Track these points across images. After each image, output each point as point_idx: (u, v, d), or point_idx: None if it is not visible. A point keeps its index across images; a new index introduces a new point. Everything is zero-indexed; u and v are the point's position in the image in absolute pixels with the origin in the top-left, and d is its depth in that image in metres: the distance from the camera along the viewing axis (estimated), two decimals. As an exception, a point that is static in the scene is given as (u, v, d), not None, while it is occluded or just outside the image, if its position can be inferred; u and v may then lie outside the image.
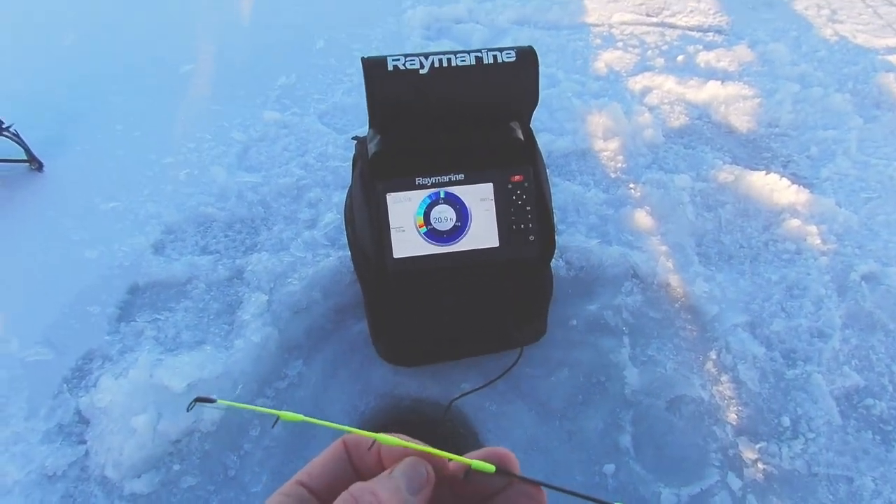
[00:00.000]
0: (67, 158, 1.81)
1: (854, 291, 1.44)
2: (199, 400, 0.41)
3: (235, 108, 1.98)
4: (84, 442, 1.19)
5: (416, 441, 0.36)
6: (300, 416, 0.39)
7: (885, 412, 1.23)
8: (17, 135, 1.72)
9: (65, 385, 1.28)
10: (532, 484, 0.36)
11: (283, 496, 0.34)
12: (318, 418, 1.21)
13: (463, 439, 1.24)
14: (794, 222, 1.58)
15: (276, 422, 0.41)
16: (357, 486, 0.33)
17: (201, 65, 2.20)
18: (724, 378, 1.29)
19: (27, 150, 1.74)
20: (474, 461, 0.35)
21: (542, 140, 1.82)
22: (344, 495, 0.33)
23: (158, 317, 1.39)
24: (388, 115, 1.15)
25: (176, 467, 1.15)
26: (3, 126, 1.70)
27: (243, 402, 1.24)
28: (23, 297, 1.45)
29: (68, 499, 1.12)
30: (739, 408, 1.25)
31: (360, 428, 1.19)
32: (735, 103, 2.00)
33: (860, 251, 1.53)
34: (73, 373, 1.30)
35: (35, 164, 1.76)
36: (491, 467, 0.35)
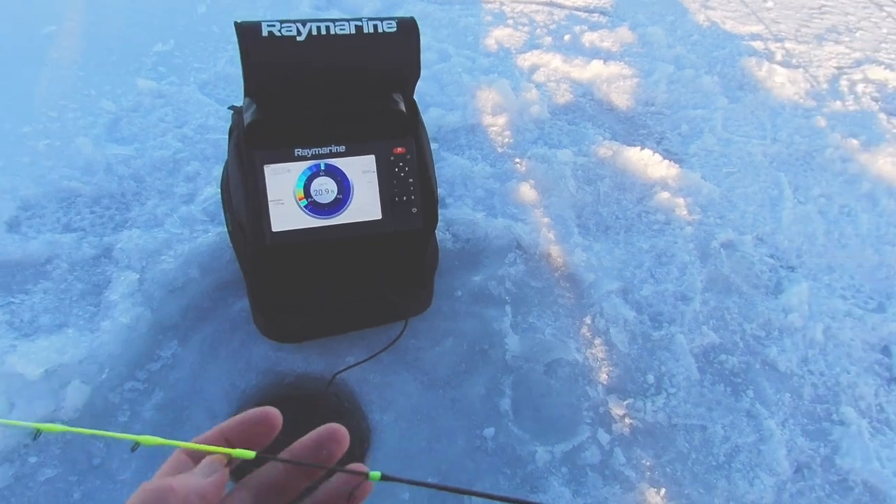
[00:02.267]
0: None
1: (714, 258, 1.56)
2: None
3: (105, 76, 1.84)
4: (-76, 438, 1.08)
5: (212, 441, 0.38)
6: (61, 427, 0.40)
7: (736, 366, 1.36)
8: None
9: None
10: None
11: None
12: (196, 400, 1.15)
13: (347, 412, 1.24)
14: (665, 195, 1.69)
15: (37, 435, 0.41)
16: (147, 482, 0.34)
17: (66, 26, 2.01)
18: (597, 341, 1.37)
19: None
20: (236, 450, 0.37)
21: (431, 115, 1.83)
22: (137, 493, 0.33)
23: (12, 300, 1.28)
24: (264, 82, 1.11)
25: (32, 459, 1.07)
26: None
27: (111, 388, 1.18)
28: None
29: None
30: (610, 368, 1.33)
31: (244, 408, 1.14)
32: (616, 82, 2.10)
33: (721, 221, 1.66)
34: (-90, 364, 1.18)
35: None
36: (250, 454, 0.37)
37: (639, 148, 1.81)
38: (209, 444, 0.38)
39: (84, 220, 1.44)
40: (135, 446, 0.40)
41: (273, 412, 0.40)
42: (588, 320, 1.41)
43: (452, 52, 2.11)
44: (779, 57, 2.32)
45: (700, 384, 1.31)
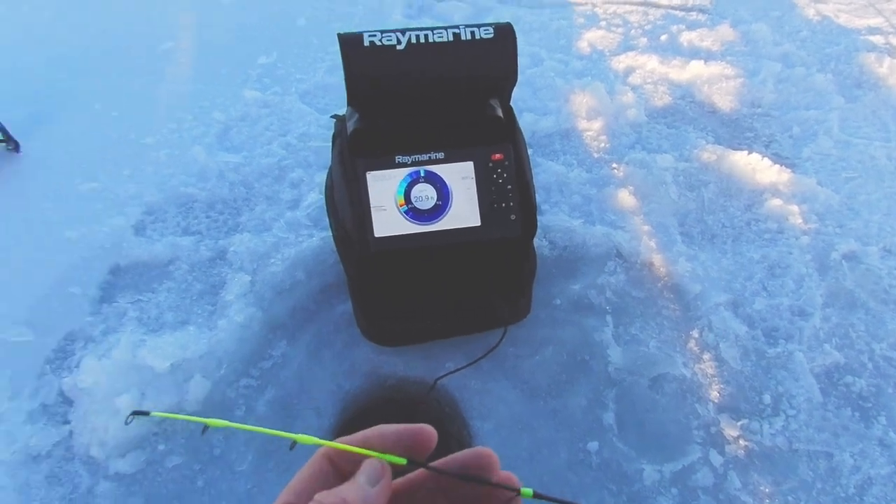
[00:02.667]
0: (45, 138, 1.77)
1: (835, 270, 1.45)
2: (135, 413, 0.46)
3: (216, 88, 1.95)
4: (68, 422, 1.18)
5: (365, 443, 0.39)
6: (226, 422, 0.42)
7: (865, 389, 1.26)
8: (-9, 114, 1.68)
9: (47, 366, 1.27)
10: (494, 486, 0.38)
11: None
12: (304, 399, 1.20)
13: (448, 418, 1.25)
14: (776, 202, 1.59)
15: (204, 429, 0.43)
16: (321, 493, 0.35)
17: (181, 43, 2.15)
18: (706, 356, 1.31)
19: (3, 131, 1.70)
20: (386, 455, 0.38)
21: (525, 120, 1.81)
22: None
23: (141, 298, 1.38)
24: (366, 91, 1.14)
25: (161, 447, 1.15)
26: (-23, 105, 1.66)
27: (228, 383, 1.24)
28: (3, 279, 1.43)
29: (53, 478, 1.12)
30: (721, 385, 1.26)
31: (348, 408, 1.17)
32: (718, 83, 2.00)
33: (841, 230, 1.55)
34: (55, 354, 1.29)
35: (11, 144, 1.72)
36: (402, 460, 0.38)
37: (746, 152, 1.72)
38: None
39: (201, 224, 1.53)
40: (293, 444, 0.41)
41: (430, 430, 0.39)
42: (695, 334, 1.35)
43: (545, 55, 2.09)
44: (903, 52, 2.14)
45: (823, 407, 1.22)
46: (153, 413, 0.45)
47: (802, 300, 1.39)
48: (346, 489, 0.36)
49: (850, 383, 1.25)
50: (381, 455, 0.38)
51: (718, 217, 1.60)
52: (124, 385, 1.17)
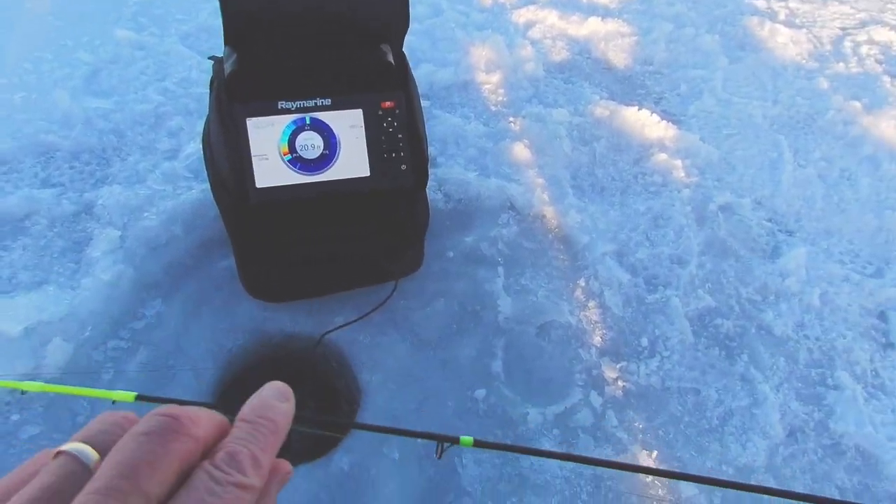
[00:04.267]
0: None
1: (711, 221, 1.53)
2: None
3: (82, 26, 1.75)
4: None
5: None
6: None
7: (731, 330, 1.34)
8: None
9: None
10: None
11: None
12: (182, 359, 1.12)
13: (336, 373, 1.22)
14: (662, 156, 1.65)
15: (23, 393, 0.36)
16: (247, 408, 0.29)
17: (41, -26, 1.92)
18: (591, 304, 1.35)
19: None
20: (116, 393, 0.33)
21: (423, 70, 1.77)
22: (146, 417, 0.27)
23: (-10, 256, 1.24)
24: (245, 29, 1.05)
25: (14, 417, 1.04)
26: None
27: (94, 346, 1.15)
28: None
29: None
30: (604, 331, 1.31)
31: (231, 368, 1.10)
32: (614, 40, 2.03)
33: (719, 184, 1.63)
34: None
35: None
36: (130, 396, 0.34)
37: (636, 108, 1.76)
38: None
39: (63, 175, 1.39)
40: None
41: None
42: (582, 283, 1.38)
43: (445, 6, 2.04)
44: (782, 16, 2.25)
45: (694, 348, 1.29)
46: None
47: (681, 249, 1.45)
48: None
49: (719, 325, 1.33)
50: (106, 393, 0.33)
51: (609, 171, 1.63)
52: (-31, 351, 1.05)
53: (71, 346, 1.11)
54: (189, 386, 1.15)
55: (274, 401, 0.30)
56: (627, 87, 1.90)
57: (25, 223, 1.30)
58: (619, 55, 1.99)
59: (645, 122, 1.73)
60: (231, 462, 0.25)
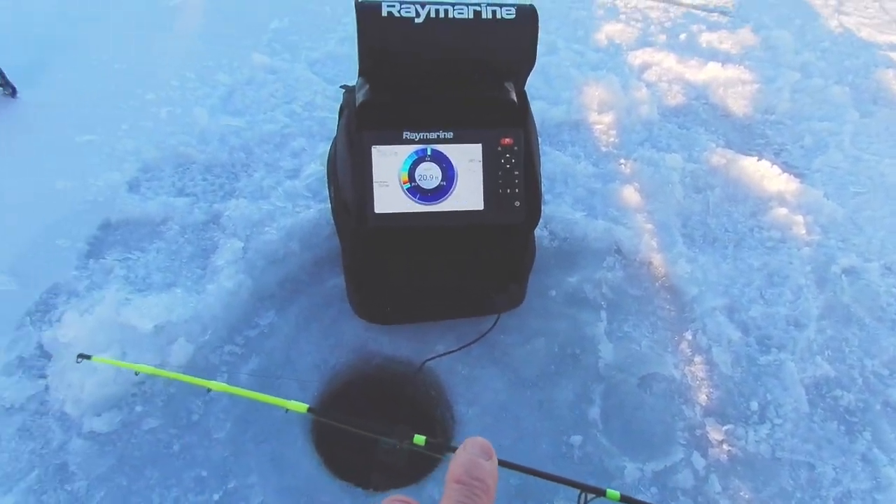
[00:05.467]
0: (44, 86, 1.73)
1: (833, 284, 1.44)
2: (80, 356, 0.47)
3: (223, 49, 1.90)
4: (44, 376, 1.16)
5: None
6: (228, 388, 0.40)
7: (853, 404, 1.24)
8: (-10, 57, 1.64)
9: (28, 318, 1.24)
10: None
11: None
12: (288, 370, 1.18)
13: (433, 401, 1.23)
14: (781, 211, 1.57)
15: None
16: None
17: None
18: (697, 359, 1.29)
19: (0, 75, 1.66)
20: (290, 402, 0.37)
21: (535, 107, 1.76)
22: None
23: (129, 256, 1.35)
24: (379, 63, 1.11)
25: (138, 408, 1.12)
26: (-24, 46, 1.62)
27: (212, 348, 1.22)
28: (-11, 225, 1.40)
29: (25, 432, 1.10)
30: (710, 389, 1.25)
31: (332, 383, 1.15)
32: (734, 87, 1.97)
33: (843, 245, 1.53)
34: (37, 306, 1.26)
35: (8, 89, 1.68)
36: (302, 407, 0.38)
37: (755, 158, 1.70)
38: None
39: (197, 185, 1.50)
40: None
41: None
42: (689, 336, 1.33)
43: (561, 45, 2.06)
44: (921, 71, 2.11)
45: (810, 418, 1.21)
46: (94, 358, 0.44)
47: (798, 311, 1.37)
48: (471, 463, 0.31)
49: (839, 397, 1.24)
50: (282, 402, 0.37)
51: (722, 221, 1.57)
52: (105, 342, 1.14)
53: (192, 346, 1.19)
54: (293, 395, 1.19)
55: (481, 460, 0.31)
56: (746, 137, 1.83)
57: (161, 228, 1.41)
58: (738, 103, 1.93)
59: (764, 174, 1.66)
60: None
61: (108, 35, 1.91)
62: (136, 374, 1.09)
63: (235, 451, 1.10)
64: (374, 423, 0.83)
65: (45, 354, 1.19)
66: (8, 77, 1.66)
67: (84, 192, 1.47)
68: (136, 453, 1.08)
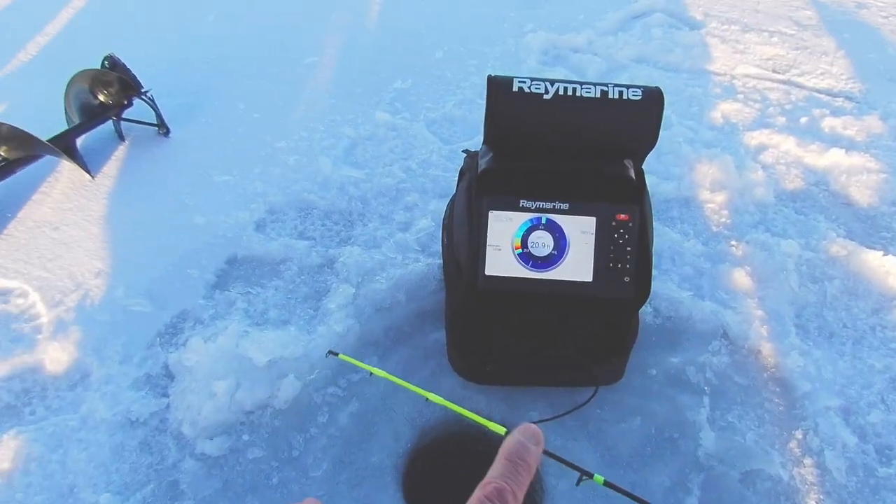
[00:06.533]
0: (192, 129, 1.94)
1: (969, 397, 1.32)
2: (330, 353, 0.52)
3: (350, 105, 2.05)
4: (167, 395, 1.26)
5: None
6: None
7: None
8: (152, 100, 1.85)
9: (158, 339, 1.36)
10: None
11: None
12: (385, 418, 1.23)
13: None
14: (909, 311, 1.47)
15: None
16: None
17: (324, 59, 2.30)
18: (807, 461, 1.21)
19: (158, 116, 1.87)
20: (490, 423, 0.41)
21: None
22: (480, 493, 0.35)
23: (251, 290, 1.46)
24: (505, 134, 1.17)
25: (245, 437, 1.19)
26: (142, 91, 1.84)
27: (316, 388, 1.28)
28: (133, 250, 1.56)
29: (145, 446, 1.19)
30: (821, 496, 1.17)
31: (424, 437, 1.19)
32: (858, 175, 1.89)
33: (981, 355, 1.40)
34: (167, 328, 1.38)
35: (164, 129, 1.89)
36: (501, 428, 0.42)
37: (880, 252, 1.60)
38: None
39: (316, 230, 1.61)
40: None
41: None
42: (798, 435, 1.25)
43: (675, 120, 2.06)
44: None
45: (938, 546, 1.10)
46: (341, 356, 0.51)
47: (928, 424, 1.26)
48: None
49: (976, 528, 1.12)
50: (484, 421, 0.42)
51: (840, 315, 1.49)
52: (223, 371, 1.23)
53: (300, 384, 1.26)
54: (385, 445, 1.23)
55: (530, 444, 0.37)
56: (870, 228, 1.74)
57: (280, 267, 1.52)
58: (862, 192, 1.84)
59: (889, 270, 1.56)
60: (500, 497, 0.33)
61: (251, 87, 2.11)
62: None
63: (329, 492, 1.14)
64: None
65: (169, 374, 1.30)
66: (164, 118, 1.88)
67: (217, 227, 1.61)
68: (240, 480, 1.15)
